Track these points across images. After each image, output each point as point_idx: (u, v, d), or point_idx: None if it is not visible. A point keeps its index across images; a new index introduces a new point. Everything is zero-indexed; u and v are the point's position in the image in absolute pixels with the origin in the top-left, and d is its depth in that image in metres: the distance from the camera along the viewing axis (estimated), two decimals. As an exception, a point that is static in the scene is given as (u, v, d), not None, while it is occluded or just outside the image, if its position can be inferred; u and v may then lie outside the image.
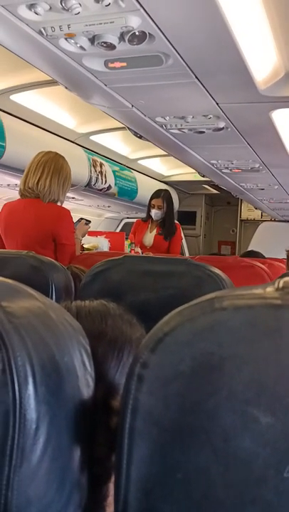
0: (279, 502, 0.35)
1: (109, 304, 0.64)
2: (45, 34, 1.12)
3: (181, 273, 1.28)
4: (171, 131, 1.95)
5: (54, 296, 1.24)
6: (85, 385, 0.47)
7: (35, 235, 2.05)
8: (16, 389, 0.38)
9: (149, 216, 3.65)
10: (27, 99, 3.07)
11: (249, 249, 4.98)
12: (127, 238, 3.42)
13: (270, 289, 0.39)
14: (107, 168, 4.18)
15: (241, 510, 0.36)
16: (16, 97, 3.02)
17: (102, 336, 0.56)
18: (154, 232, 3.64)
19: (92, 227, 4.09)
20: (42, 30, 1.10)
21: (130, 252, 3.34)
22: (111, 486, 0.51)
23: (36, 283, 1.22)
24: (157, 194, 3.66)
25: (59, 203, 2.16)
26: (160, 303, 1.23)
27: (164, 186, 4.90)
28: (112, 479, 0.51)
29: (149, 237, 3.62)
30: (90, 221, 2.51)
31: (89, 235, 3.30)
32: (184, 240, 5.62)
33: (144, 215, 3.83)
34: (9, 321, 0.41)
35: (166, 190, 3.76)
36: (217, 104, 1.59)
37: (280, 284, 0.38)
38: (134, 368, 0.40)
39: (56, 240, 2.06)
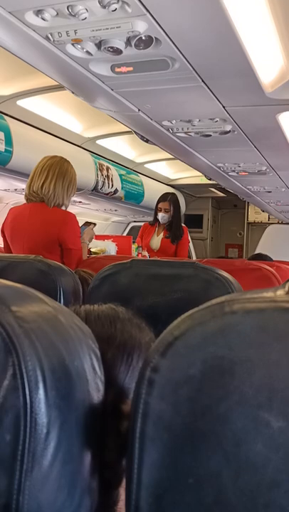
0: (292, 507, 0.34)
1: (118, 308, 0.64)
2: (52, 40, 1.13)
3: (189, 276, 1.27)
4: (177, 134, 1.95)
5: (62, 301, 1.24)
6: (95, 390, 0.47)
7: (41, 240, 2.05)
8: (26, 393, 0.38)
9: (156, 220, 3.63)
10: (34, 105, 3.09)
11: (256, 252, 4.97)
12: (134, 242, 3.42)
13: (280, 292, 0.39)
14: (114, 172, 4.19)
15: (254, 516, 0.36)
16: (23, 103, 3.04)
17: (112, 340, 0.56)
18: (161, 235, 3.62)
19: (99, 231, 4.10)
20: (49, 35, 1.11)
21: (137, 255, 3.34)
22: (122, 491, 0.51)
23: (44, 287, 1.22)
24: (164, 197, 3.64)
25: (64, 207, 2.15)
26: (168, 306, 1.23)
27: (170, 190, 4.91)
28: (123, 484, 0.51)
29: (156, 240, 3.61)
30: (95, 224, 2.51)
31: (96, 238, 3.30)
32: (190, 244, 5.62)
33: (150, 218, 3.83)
34: (19, 326, 0.41)
35: (173, 194, 3.75)
36: (224, 107, 1.59)
37: (291, 287, 0.38)
38: (144, 372, 0.40)
39: (62, 245, 2.06)
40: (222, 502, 0.37)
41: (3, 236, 2.20)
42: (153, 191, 4.90)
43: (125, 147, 4.27)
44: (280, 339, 0.36)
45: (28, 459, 0.38)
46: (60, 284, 1.27)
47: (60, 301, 1.23)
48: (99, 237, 3.44)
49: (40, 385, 0.39)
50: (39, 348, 0.40)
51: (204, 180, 4.44)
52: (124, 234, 5.84)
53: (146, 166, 4.84)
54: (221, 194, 6.40)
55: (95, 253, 2.95)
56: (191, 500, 0.37)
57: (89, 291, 1.32)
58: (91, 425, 0.45)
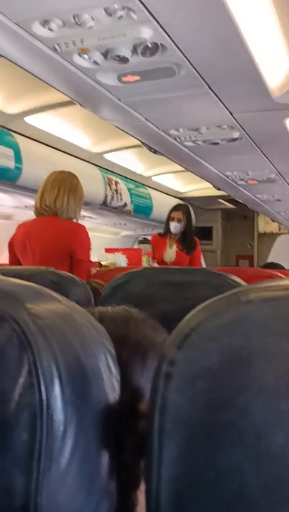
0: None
1: (132, 309, 0.63)
2: (59, 50, 1.14)
3: (200, 283, 1.27)
4: (185, 143, 1.96)
5: (74, 311, 1.24)
6: (111, 389, 0.46)
7: (52, 252, 2.06)
8: (42, 390, 0.38)
9: (167, 231, 3.59)
10: (41, 121, 3.13)
11: (268, 262, 4.94)
12: (144, 254, 3.42)
13: (296, 280, 0.38)
14: (122, 186, 4.22)
15: (275, 510, 0.35)
16: (31, 120, 3.08)
17: (126, 340, 0.56)
18: (175, 247, 3.57)
19: (108, 246, 4.12)
20: (56, 46, 1.13)
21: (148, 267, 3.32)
22: (139, 494, 0.50)
23: (56, 297, 1.22)
24: (177, 207, 3.62)
25: (74, 221, 2.19)
26: (180, 314, 1.22)
27: (179, 202, 4.91)
28: (141, 488, 0.49)
29: (170, 252, 3.56)
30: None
31: (106, 252, 3.31)
32: (201, 256, 5.60)
33: (160, 231, 3.79)
34: (34, 322, 0.41)
35: (185, 204, 3.75)
36: (231, 113, 1.59)
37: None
38: (161, 366, 0.39)
39: (72, 256, 2.07)
40: (243, 496, 0.36)
41: (11, 250, 2.21)
42: (162, 204, 4.91)
43: (133, 161, 4.30)
44: (298, 327, 0.36)
45: (45, 458, 0.38)
46: (71, 294, 1.27)
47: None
48: (109, 251, 3.44)
49: (56, 381, 0.38)
50: (54, 345, 0.40)
51: (213, 192, 4.45)
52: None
53: (154, 179, 4.86)
54: (230, 205, 6.39)
55: (105, 266, 2.95)
56: (212, 495, 0.36)
57: (101, 300, 1.31)
58: (107, 424, 0.44)
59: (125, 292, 1.29)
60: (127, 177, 4.46)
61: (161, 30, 1.07)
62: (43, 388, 0.38)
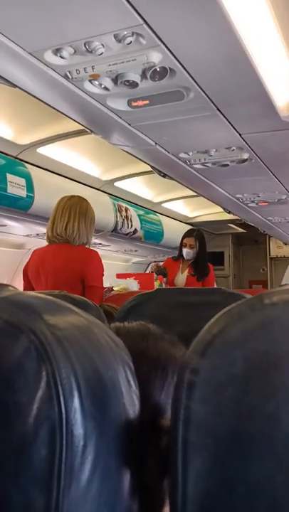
0: None
1: (149, 325, 0.62)
2: (70, 77, 1.17)
3: (216, 303, 1.24)
4: (194, 166, 1.97)
5: (88, 334, 1.22)
6: (131, 404, 0.44)
7: (64, 277, 2.06)
8: (61, 402, 0.37)
9: (180, 255, 3.57)
10: (53, 151, 3.20)
11: (282, 284, 4.89)
12: (156, 279, 3.40)
13: None
14: (132, 212, 4.24)
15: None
16: (43, 150, 3.14)
17: (144, 355, 0.54)
18: (186, 272, 3.55)
19: (120, 272, 4.12)
20: (67, 73, 1.15)
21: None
22: (163, 517, 0.48)
23: (70, 321, 1.21)
24: (190, 233, 3.60)
25: (88, 245, 2.18)
26: (196, 335, 1.20)
27: (189, 228, 4.92)
28: (164, 510, 0.47)
29: (182, 277, 3.53)
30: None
31: (118, 277, 3.30)
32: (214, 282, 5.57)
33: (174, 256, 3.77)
34: (52, 333, 0.40)
35: (198, 230, 3.71)
36: (240, 134, 1.60)
37: None
38: (183, 375, 0.38)
39: (85, 282, 2.05)
40: (277, 511, 0.33)
41: (25, 277, 2.22)
42: (172, 230, 4.92)
43: (142, 188, 4.34)
44: None
45: (65, 475, 0.36)
46: (85, 318, 1.26)
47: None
48: (120, 276, 3.44)
49: (75, 394, 0.37)
50: (72, 356, 0.39)
51: (223, 217, 4.45)
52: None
53: (163, 205, 4.89)
54: (241, 230, 6.38)
55: (117, 291, 2.94)
56: (242, 510, 0.34)
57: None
58: (128, 440, 0.42)
59: (139, 314, 1.27)
60: (137, 204, 4.50)
61: (169, 54, 1.09)
62: (62, 400, 0.37)
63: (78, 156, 3.38)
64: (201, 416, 0.37)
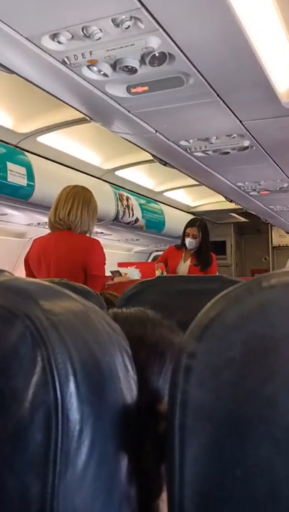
0: None
1: (148, 310, 0.61)
2: (68, 63, 1.15)
3: (216, 291, 1.24)
4: (195, 154, 1.95)
5: (89, 322, 1.22)
6: (128, 388, 0.44)
7: (66, 266, 2.06)
8: (57, 387, 0.36)
9: (183, 244, 3.55)
10: (53, 140, 3.18)
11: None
12: (157, 268, 3.40)
13: None
14: (134, 201, 4.23)
15: (312, 510, 0.32)
16: (43, 139, 3.13)
17: (142, 341, 0.54)
18: (189, 262, 3.53)
19: (122, 260, 4.12)
20: (65, 59, 1.13)
21: (161, 281, 3.28)
22: (160, 503, 0.48)
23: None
24: (192, 223, 3.56)
25: (88, 234, 2.19)
26: (196, 323, 1.19)
27: (191, 217, 4.90)
28: (162, 496, 0.47)
29: (184, 267, 3.51)
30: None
31: (119, 266, 3.30)
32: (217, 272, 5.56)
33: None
34: (47, 318, 0.39)
35: (201, 219, 3.68)
36: (240, 121, 1.58)
37: None
38: (180, 360, 0.37)
39: (87, 271, 2.06)
40: (276, 495, 0.33)
41: (27, 266, 2.22)
42: (174, 219, 4.91)
43: (144, 177, 4.32)
44: None
45: (61, 460, 0.36)
46: (86, 306, 1.26)
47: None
48: (122, 265, 3.44)
49: (71, 378, 0.37)
50: (68, 341, 0.39)
51: (225, 206, 4.44)
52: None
53: (165, 194, 4.87)
54: (243, 219, 6.37)
55: (119, 281, 2.94)
56: (241, 495, 0.34)
57: (115, 311, 1.30)
58: (126, 425, 0.42)
59: (140, 302, 1.26)
60: (139, 193, 4.48)
61: (168, 39, 1.07)
62: (57, 385, 0.36)
63: (79, 145, 3.37)
64: (199, 400, 0.36)
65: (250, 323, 0.35)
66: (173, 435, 0.37)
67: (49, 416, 0.36)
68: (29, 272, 2.20)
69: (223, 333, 0.36)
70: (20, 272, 2.37)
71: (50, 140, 3.17)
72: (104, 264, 2.17)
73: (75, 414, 0.37)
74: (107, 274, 2.73)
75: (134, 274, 2.99)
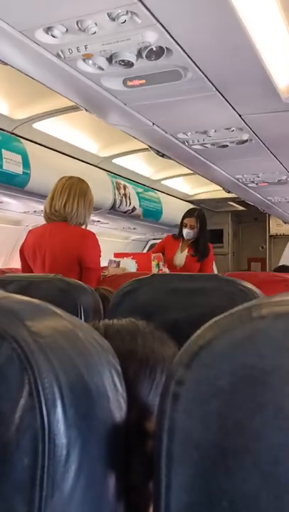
0: None
1: (139, 322, 0.61)
2: (63, 57, 1.13)
3: (211, 290, 1.24)
4: (193, 147, 1.93)
5: (83, 319, 1.22)
6: (117, 408, 0.44)
7: (62, 259, 2.05)
8: (44, 413, 0.36)
9: (180, 234, 3.51)
10: (49, 127, 3.14)
11: (280, 264, 4.89)
12: (153, 259, 3.38)
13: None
14: (131, 190, 4.20)
15: None
16: (39, 125, 3.09)
17: (133, 355, 0.54)
18: (186, 252, 3.50)
19: (118, 251, 4.11)
20: (60, 52, 1.11)
21: (158, 272, 3.29)
22: (150, 517, 0.48)
23: (65, 306, 1.20)
24: (190, 213, 3.51)
25: (84, 226, 2.18)
26: (191, 322, 1.19)
27: (189, 206, 4.88)
28: (150, 509, 0.47)
29: (180, 257, 3.49)
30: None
31: (115, 257, 3.29)
32: (214, 262, 5.56)
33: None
34: (34, 341, 0.39)
35: (200, 209, 3.62)
36: (239, 115, 1.56)
37: None
38: (168, 386, 0.37)
39: (82, 264, 2.05)
40: (261, 528, 0.33)
41: (22, 257, 2.21)
42: (172, 208, 4.89)
43: (141, 165, 4.28)
44: (314, 343, 0.33)
45: (48, 484, 0.36)
46: (80, 302, 1.26)
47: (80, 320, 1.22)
48: (118, 255, 3.43)
49: (58, 403, 0.37)
50: (56, 364, 0.38)
51: (223, 195, 4.41)
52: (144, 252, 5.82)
53: (163, 182, 4.84)
54: (241, 208, 6.35)
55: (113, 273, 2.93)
56: (225, 527, 0.34)
57: (110, 308, 1.29)
58: (114, 445, 0.42)
59: (134, 300, 1.26)
60: (136, 181, 4.45)
61: (165, 33, 1.05)
62: (44, 410, 0.36)
63: (76, 132, 3.32)
64: (186, 428, 0.36)
65: (239, 353, 0.35)
66: (160, 461, 0.37)
67: (36, 440, 0.36)
68: (24, 263, 2.20)
69: (212, 361, 0.36)
70: (17, 260, 2.35)
71: (46, 127, 3.13)
72: (100, 256, 2.16)
73: (62, 438, 0.36)
74: (105, 264, 2.72)
75: (130, 265, 2.98)
